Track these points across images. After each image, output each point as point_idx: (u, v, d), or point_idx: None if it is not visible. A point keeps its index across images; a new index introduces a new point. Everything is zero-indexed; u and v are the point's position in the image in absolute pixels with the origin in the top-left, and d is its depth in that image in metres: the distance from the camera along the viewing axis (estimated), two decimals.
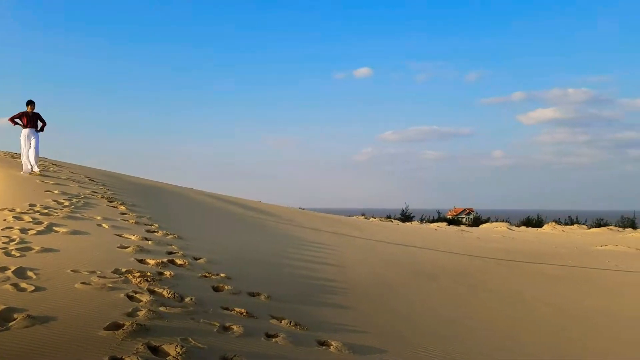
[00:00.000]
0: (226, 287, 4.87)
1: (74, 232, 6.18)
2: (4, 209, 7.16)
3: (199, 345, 3.25)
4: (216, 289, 4.80)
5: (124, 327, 3.28)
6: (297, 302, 5.03)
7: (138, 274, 4.60)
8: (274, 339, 3.67)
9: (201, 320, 3.74)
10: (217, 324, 3.71)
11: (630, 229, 28.13)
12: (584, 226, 29.67)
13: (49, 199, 8.23)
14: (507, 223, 30.56)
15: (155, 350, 3.11)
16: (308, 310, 4.81)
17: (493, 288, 7.70)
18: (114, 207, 8.65)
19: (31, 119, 11.22)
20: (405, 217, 34.69)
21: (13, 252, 4.92)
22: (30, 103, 11.25)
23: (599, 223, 30.88)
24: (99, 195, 9.55)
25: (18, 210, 7.11)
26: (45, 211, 7.19)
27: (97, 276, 4.39)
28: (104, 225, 6.93)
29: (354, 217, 26.04)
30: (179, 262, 5.51)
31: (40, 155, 11.61)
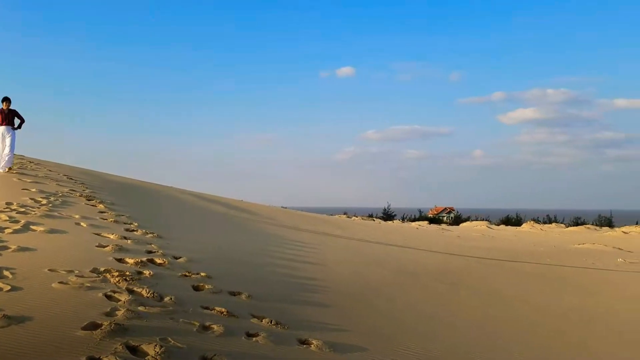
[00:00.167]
0: (206, 286, 4.83)
1: (52, 231, 6.09)
2: None
3: (179, 344, 3.22)
4: (196, 288, 4.77)
5: (102, 327, 3.24)
6: (278, 301, 5.02)
7: (117, 274, 4.55)
8: (254, 338, 3.66)
9: (181, 319, 3.71)
10: (196, 323, 3.68)
11: (607, 228, 28.68)
12: (562, 225, 30.17)
13: (26, 198, 8.10)
14: (486, 222, 30.94)
15: (133, 350, 3.07)
16: (289, 309, 4.80)
17: (473, 286, 7.79)
18: (92, 205, 8.54)
19: (7, 117, 11.01)
20: (387, 215, 34.90)
21: None
22: (5, 100, 11.04)
23: (577, 222, 31.43)
24: (78, 194, 9.43)
25: None
26: (23, 210, 7.07)
27: (75, 275, 4.33)
28: (82, 224, 6.84)
29: (336, 216, 26.11)
30: (158, 261, 5.46)
31: (17, 153, 11.42)
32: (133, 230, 7.05)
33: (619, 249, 15.55)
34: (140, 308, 3.77)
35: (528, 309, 6.72)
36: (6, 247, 5.05)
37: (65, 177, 11.64)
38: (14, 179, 9.81)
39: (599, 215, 33.06)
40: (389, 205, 36.25)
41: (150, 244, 6.36)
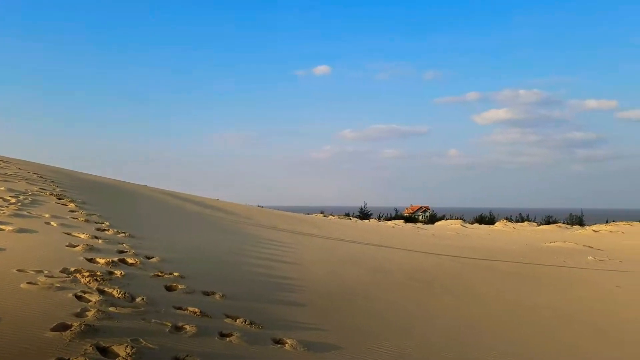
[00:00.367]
0: (179, 286, 4.78)
1: (21, 231, 5.94)
2: None
3: (150, 345, 3.18)
4: (169, 288, 4.71)
5: (72, 328, 3.18)
6: (253, 300, 5.00)
7: (87, 274, 4.47)
8: (228, 338, 3.63)
9: (152, 320, 3.67)
10: (169, 323, 3.64)
11: (578, 226, 29.36)
12: (534, 223, 30.79)
13: None
14: (461, 220, 31.37)
15: (104, 351, 3.03)
16: (264, 308, 4.79)
17: (447, 284, 7.87)
18: (63, 204, 8.37)
19: None
20: (364, 214, 35.11)
21: None
22: None
23: (548, 220, 32.11)
24: (48, 193, 9.23)
25: None
26: None
27: (45, 276, 4.24)
28: (52, 223, 6.70)
29: (313, 215, 26.13)
30: (130, 261, 5.38)
31: None
32: (104, 230, 6.93)
33: (590, 247, 15.91)
34: (111, 309, 3.71)
35: (501, 306, 6.83)
36: None
37: (35, 176, 11.38)
38: None
39: (570, 214, 33.82)
40: (366, 205, 36.50)
41: (122, 243, 6.25)
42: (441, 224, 29.94)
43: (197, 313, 4.06)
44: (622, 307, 7.49)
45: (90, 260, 5.09)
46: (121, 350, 3.03)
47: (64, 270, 4.50)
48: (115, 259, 5.28)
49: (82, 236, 6.20)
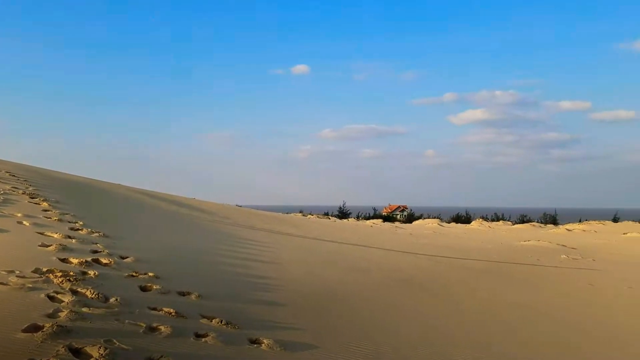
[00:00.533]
0: (154, 287, 4.74)
1: None
2: None
3: (124, 346, 3.15)
4: (144, 289, 4.67)
5: (44, 329, 3.14)
6: (230, 300, 4.98)
7: (60, 274, 4.40)
8: (203, 339, 3.62)
9: (126, 321, 3.63)
10: (143, 324, 3.60)
11: (551, 225, 29.92)
12: (509, 222, 31.29)
13: None
14: (438, 219, 31.70)
15: (77, 352, 2.99)
16: (240, 308, 4.77)
17: (423, 283, 7.95)
18: (36, 203, 8.22)
19: None
20: (343, 214, 35.21)
21: None
22: None
23: (523, 220, 32.67)
24: (20, 192, 9.05)
25: None
26: None
27: (16, 276, 4.16)
28: (24, 222, 6.58)
29: (292, 215, 26.11)
30: (104, 261, 5.31)
31: None
32: (78, 230, 6.82)
33: (563, 245, 16.22)
34: (84, 309, 3.67)
35: (475, 303, 6.93)
36: None
37: (7, 174, 11.14)
38: None
39: (544, 213, 34.48)
40: (345, 204, 36.62)
41: (96, 243, 6.17)
42: (419, 223, 30.21)
43: (172, 313, 4.04)
44: (594, 305, 7.66)
45: (63, 260, 5.02)
46: (94, 352, 3.00)
47: (36, 271, 4.43)
48: (89, 259, 5.21)
49: (55, 236, 6.11)
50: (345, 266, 8.53)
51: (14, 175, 11.17)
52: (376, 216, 36.20)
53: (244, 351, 3.61)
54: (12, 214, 6.93)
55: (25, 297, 3.72)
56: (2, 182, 9.71)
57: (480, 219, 32.12)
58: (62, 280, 4.25)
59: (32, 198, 8.63)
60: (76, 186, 12.73)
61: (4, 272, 4.23)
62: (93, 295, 4.02)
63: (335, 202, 37.91)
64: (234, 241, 9.37)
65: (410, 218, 37.10)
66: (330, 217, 30.52)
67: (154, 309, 4.10)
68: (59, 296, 3.87)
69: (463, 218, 34.29)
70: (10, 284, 3.94)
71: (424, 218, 34.67)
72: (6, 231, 5.92)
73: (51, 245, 5.51)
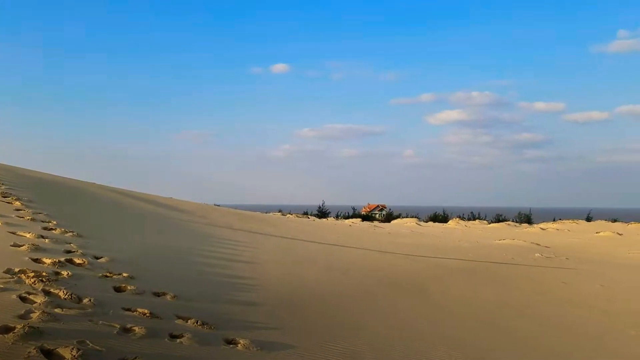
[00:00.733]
0: (129, 287, 4.69)
1: None
2: None
3: (97, 347, 3.12)
4: (118, 289, 4.62)
5: (15, 330, 3.09)
6: (206, 300, 4.96)
7: (32, 274, 4.33)
8: (178, 340, 3.59)
9: (100, 322, 3.59)
10: (117, 325, 3.57)
11: (526, 224, 30.40)
12: (485, 221, 31.69)
13: None
14: (416, 219, 31.94)
15: (49, 354, 2.95)
16: (217, 308, 4.76)
17: (400, 281, 8.01)
18: (8, 202, 8.05)
19: None
20: (322, 213, 35.23)
21: None
22: None
23: (498, 219, 33.13)
24: None
25: None
26: None
27: None
28: None
29: (271, 214, 26.05)
30: (77, 261, 5.24)
31: None
32: (51, 229, 6.71)
33: (537, 244, 16.50)
34: (57, 310, 3.62)
35: (451, 302, 7.01)
36: None
37: None
38: None
39: (519, 213, 35.03)
40: (324, 203, 36.66)
41: (70, 243, 6.08)
42: (397, 222, 30.40)
43: (147, 314, 4.00)
44: (566, 302, 7.81)
45: (36, 261, 4.94)
46: (66, 353, 2.96)
47: (8, 271, 4.35)
48: (62, 259, 5.14)
49: (28, 235, 6.00)
50: (323, 266, 8.55)
51: None
52: (355, 215, 36.31)
53: (220, 352, 3.59)
54: None
55: None
56: None
57: (457, 219, 32.48)
58: (35, 281, 4.18)
59: (4, 197, 8.46)
60: (50, 185, 12.51)
61: None
62: (66, 296, 3.96)
63: (315, 202, 37.96)
64: (211, 241, 9.32)
65: (388, 217, 37.32)
66: (309, 216, 30.54)
67: (128, 309, 4.06)
68: (31, 297, 3.81)
69: (440, 217, 34.63)
70: None
71: (402, 217, 34.92)
72: None
73: (23, 245, 5.42)
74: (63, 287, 4.13)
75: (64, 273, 4.64)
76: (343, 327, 5.01)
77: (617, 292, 8.83)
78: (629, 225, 27.25)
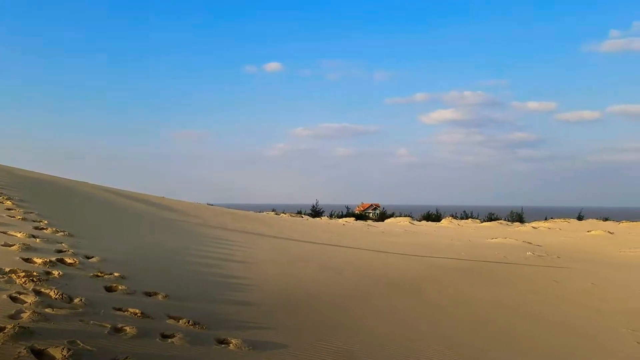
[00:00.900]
0: (120, 287, 4.67)
1: None
2: None
3: (88, 347, 3.10)
4: (109, 289, 4.60)
5: (5, 330, 3.06)
6: (198, 300, 4.94)
7: (23, 274, 4.30)
8: (169, 339, 3.58)
9: (91, 321, 3.57)
10: (108, 325, 3.55)
11: (518, 223, 30.55)
12: (477, 220, 31.79)
13: None
14: (409, 218, 31.99)
15: (39, 354, 2.93)
16: (209, 308, 4.74)
17: (393, 280, 8.02)
18: None
19: None
20: (316, 212, 35.22)
21: None
22: None
23: (491, 217, 33.25)
24: None
25: None
26: None
27: None
28: None
29: (264, 213, 26.04)
30: (69, 261, 5.21)
31: None
32: (42, 229, 6.67)
33: (529, 243, 16.57)
34: (48, 310, 3.60)
35: (444, 300, 7.02)
36: None
37: None
38: None
39: (511, 211, 35.20)
40: (317, 202, 36.65)
41: (61, 242, 6.05)
42: (391, 221, 30.45)
43: (138, 314, 3.98)
44: (558, 300, 7.84)
45: (27, 260, 4.91)
46: (57, 353, 2.94)
47: None
48: (53, 258, 5.11)
49: (19, 235, 5.96)
50: (317, 265, 8.55)
51: None
52: (349, 215, 36.32)
53: (212, 351, 3.58)
54: None
55: None
56: None
57: (450, 217, 32.58)
58: (25, 281, 4.16)
59: None
60: (41, 184, 12.43)
61: None
62: (57, 296, 3.94)
63: (309, 201, 37.98)
64: (204, 240, 9.29)
65: (382, 216, 37.39)
66: (303, 215, 30.54)
67: (120, 309, 4.04)
68: (21, 297, 3.79)
69: (433, 216, 34.71)
70: None
71: (396, 216, 34.95)
72: None
73: (14, 244, 5.38)
74: (54, 287, 4.10)
75: (55, 273, 4.62)
76: (337, 326, 5.00)
77: (609, 291, 8.89)
78: (620, 224, 27.46)
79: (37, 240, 5.87)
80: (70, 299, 3.95)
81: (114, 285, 4.71)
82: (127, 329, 3.56)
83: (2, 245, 5.32)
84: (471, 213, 35.17)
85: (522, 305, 7.36)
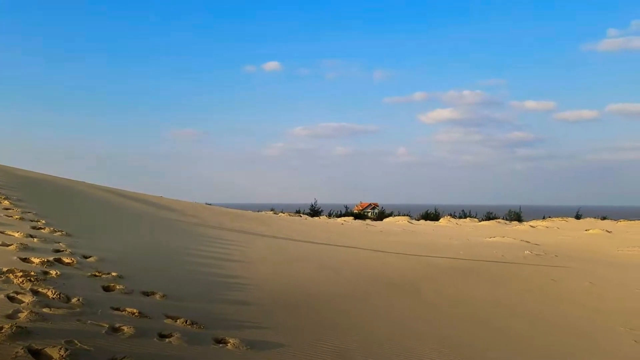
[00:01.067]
0: (118, 287, 4.67)
1: None
2: None
3: (85, 347, 3.10)
4: (107, 289, 4.60)
5: (2, 330, 3.07)
6: (196, 300, 4.94)
7: (20, 274, 4.30)
8: (167, 339, 3.58)
9: (89, 321, 3.57)
10: (106, 325, 3.55)
11: (516, 222, 30.58)
12: (475, 219, 31.80)
13: None
14: (408, 217, 31.96)
15: (36, 353, 2.93)
16: (207, 308, 4.74)
17: (391, 279, 8.03)
18: None
19: None
20: (314, 212, 35.20)
21: None
22: None
23: (489, 217, 33.25)
24: None
25: None
26: None
27: None
28: None
29: (263, 212, 26.03)
30: (66, 260, 5.21)
31: None
32: (40, 228, 6.66)
33: (527, 242, 16.60)
34: (45, 310, 3.60)
35: (442, 300, 7.03)
36: None
37: None
38: None
39: (509, 211, 35.22)
40: (316, 202, 36.64)
41: (59, 242, 6.04)
42: (389, 220, 30.47)
43: (136, 314, 3.98)
44: (556, 299, 7.86)
45: (24, 260, 4.90)
46: (54, 353, 2.94)
47: None
48: (51, 258, 5.11)
49: (17, 235, 5.96)
50: (315, 264, 8.55)
51: None
52: (347, 214, 36.32)
53: (209, 351, 3.58)
54: None
55: None
56: None
57: (449, 217, 32.59)
58: (23, 280, 4.15)
59: None
60: (39, 184, 12.42)
61: None
62: (54, 296, 3.93)
63: (307, 200, 37.92)
64: (202, 240, 9.29)
65: (381, 216, 37.37)
66: (301, 215, 30.53)
67: (117, 309, 4.04)
68: (19, 296, 3.79)
69: (432, 215, 34.72)
70: None
71: (395, 215, 34.93)
72: None
73: (12, 244, 5.38)
74: (51, 287, 4.10)
75: (53, 272, 4.61)
76: (335, 325, 5.01)
77: (607, 290, 8.90)
78: (618, 223, 27.53)
79: (35, 239, 5.87)
80: (68, 299, 3.95)
81: (112, 284, 4.71)
82: (125, 328, 3.56)
83: None
84: (469, 212, 35.18)
85: (520, 304, 7.37)
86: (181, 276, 5.95)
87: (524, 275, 9.97)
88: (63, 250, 5.65)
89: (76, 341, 3.15)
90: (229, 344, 3.76)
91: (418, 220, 32.33)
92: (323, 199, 38.92)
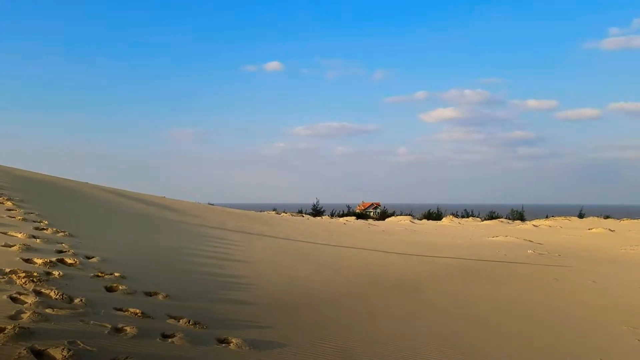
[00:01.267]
0: (120, 287, 4.68)
1: None
2: None
3: (88, 347, 3.11)
4: (109, 289, 4.61)
5: (5, 331, 3.07)
6: (198, 300, 4.95)
7: (23, 274, 4.31)
8: (170, 339, 3.59)
9: (91, 322, 3.58)
10: (108, 325, 3.56)
11: (519, 221, 30.52)
12: (478, 219, 31.76)
13: None
14: (410, 216, 31.93)
15: (39, 354, 2.94)
16: (209, 307, 4.75)
17: (393, 279, 8.03)
18: None
19: None
20: (316, 211, 35.22)
21: None
22: None
23: (491, 216, 33.22)
24: None
25: None
26: None
27: None
28: None
29: (265, 212, 26.04)
30: (69, 261, 5.22)
31: None
32: (43, 229, 6.68)
33: (530, 241, 16.56)
34: (48, 310, 3.61)
35: (443, 299, 7.02)
36: None
37: None
38: None
39: (512, 210, 35.19)
40: (318, 201, 36.66)
41: (61, 243, 6.06)
42: (391, 220, 30.45)
43: (139, 314, 3.99)
44: (558, 298, 7.85)
45: (27, 261, 4.92)
46: (57, 353, 2.94)
47: None
48: (54, 259, 5.12)
49: (19, 235, 5.98)
50: (316, 264, 8.55)
51: None
52: (350, 214, 36.32)
53: (212, 351, 3.59)
54: None
55: None
56: None
57: (451, 216, 32.54)
58: (26, 281, 4.17)
59: None
60: (41, 185, 12.45)
61: None
62: (57, 296, 3.95)
63: (309, 200, 37.96)
64: (204, 240, 9.30)
65: (383, 215, 37.35)
66: (303, 214, 30.53)
67: (120, 309, 4.05)
68: (21, 297, 3.80)
69: (434, 215, 34.69)
70: None
71: (397, 215, 34.93)
72: None
73: (15, 245, 5.39)
74: (54, 287, 4.11)
75: (55, 273, 4.62)
76: (336, 325, 5.01)
77: (609, 289, 8.89)
78: (621, 221, 27.46)
79: (38, 240, 5.88)
80: (71, 299, 3.96)
81: (114, 285, 4.72)
82: (128, 329, 3.57)
83: (2, 246, 5.33)
84: (472, 211, 35.12)
85: (523, 303, 7.36)
86: (183, 276, 5.96)
87: (527, 275, 9.95)
88: (65, 251, 5.67)
89: (79, 342, 3.15)
90: (231, 344, 3.77)
91: (420, 219, 32.30)
92: (325, 199, 39.04)
